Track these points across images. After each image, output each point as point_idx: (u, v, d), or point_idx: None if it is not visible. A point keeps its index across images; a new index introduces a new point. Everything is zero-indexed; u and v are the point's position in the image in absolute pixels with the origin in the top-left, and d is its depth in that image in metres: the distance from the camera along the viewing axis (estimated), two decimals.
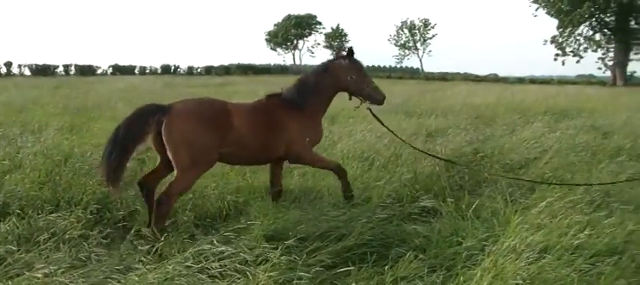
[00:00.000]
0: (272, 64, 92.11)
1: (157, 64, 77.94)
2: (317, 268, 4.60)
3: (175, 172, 5.63)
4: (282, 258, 4.64)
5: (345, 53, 6.66)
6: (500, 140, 9.49)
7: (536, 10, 65.17)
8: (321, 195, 6.75)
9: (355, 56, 6.63)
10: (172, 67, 77.02)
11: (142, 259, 4.77)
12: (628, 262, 4.74)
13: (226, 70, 76.88)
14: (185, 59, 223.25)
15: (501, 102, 20.54)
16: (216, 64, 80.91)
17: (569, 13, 60.34)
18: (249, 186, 7.10)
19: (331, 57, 6.85)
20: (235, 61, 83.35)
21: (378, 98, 6.57)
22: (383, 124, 7.26)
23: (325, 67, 6.65)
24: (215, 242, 4.87)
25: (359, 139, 9.90)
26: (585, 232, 5.20)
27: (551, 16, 63.73)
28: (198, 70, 78.49)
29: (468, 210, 5.82)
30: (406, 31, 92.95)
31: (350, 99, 6.76)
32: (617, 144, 10.53)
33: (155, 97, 20.41)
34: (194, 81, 45.53)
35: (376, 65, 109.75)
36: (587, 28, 63.44)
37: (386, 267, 4.59)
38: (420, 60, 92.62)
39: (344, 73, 6.53)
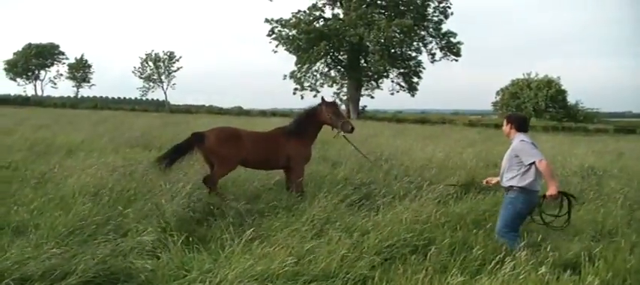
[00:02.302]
0: (12, 94, 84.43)
1: None
2: None
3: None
4: None
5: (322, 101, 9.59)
6: (234, 172, 9.69)
7: (277, 46, 67.17)
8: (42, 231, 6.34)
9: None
10: None
11: None
12: (341, 284, 5.14)
13: None
14: None
15: None
16: None
17: (307, 51, 63.84)
18: None
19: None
20: None
21: (348, 129, 9.42)
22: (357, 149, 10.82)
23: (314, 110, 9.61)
24: None
25: (92, 174, 9.47)
26: (304, 259, 5.56)
27: (291, 52, 66.44)
28: None
29: (197, 242, 5.88)
30: (151, 63, 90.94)
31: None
32: (343, 174, 11.34)
33: None
34: None
35: (121, 97, 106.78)
36: (323, 65, 67.70)
37: None
38: (165, 92, 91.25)
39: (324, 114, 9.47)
